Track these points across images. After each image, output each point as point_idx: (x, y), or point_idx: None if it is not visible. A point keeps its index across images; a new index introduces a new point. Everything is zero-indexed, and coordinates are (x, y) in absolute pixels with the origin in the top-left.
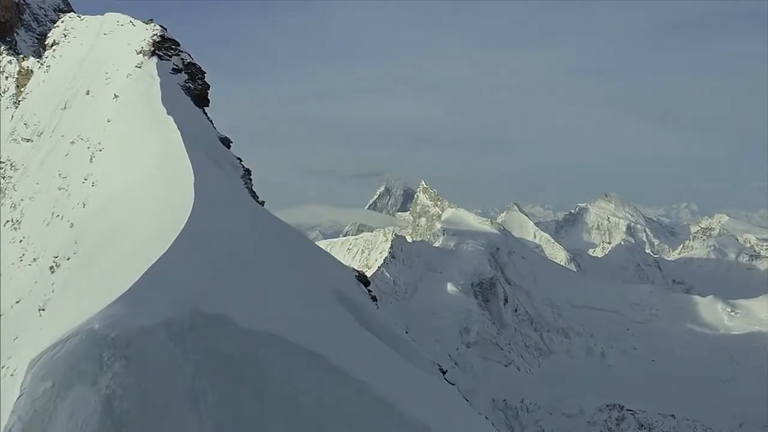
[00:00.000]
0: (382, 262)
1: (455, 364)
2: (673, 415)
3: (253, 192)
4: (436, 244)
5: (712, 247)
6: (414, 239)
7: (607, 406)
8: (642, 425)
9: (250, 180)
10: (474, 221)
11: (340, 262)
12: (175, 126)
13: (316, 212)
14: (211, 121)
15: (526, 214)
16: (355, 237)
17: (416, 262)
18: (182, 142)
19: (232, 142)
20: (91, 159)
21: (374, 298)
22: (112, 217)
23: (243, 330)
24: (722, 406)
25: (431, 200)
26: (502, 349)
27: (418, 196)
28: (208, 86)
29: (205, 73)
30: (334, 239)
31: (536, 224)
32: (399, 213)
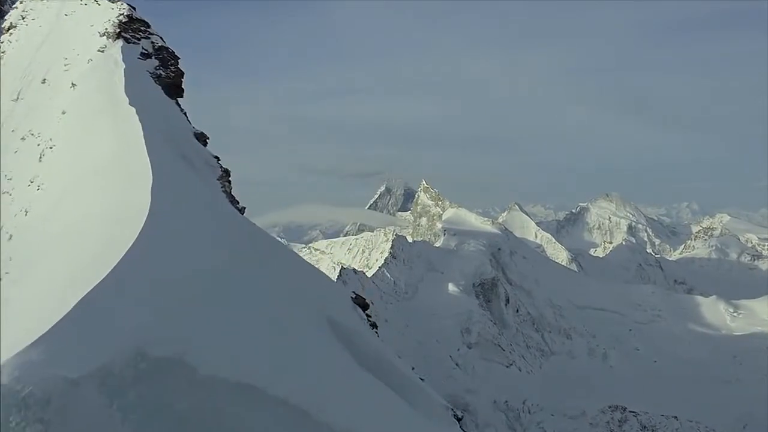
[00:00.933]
0: (382, 262)
1: (456, 365)
2: (675, 417)
3: (232, 196)
4: (437, 244)
5: (714, 247)
6: (415, 239)
7: (610, 407)
8: (645, 427)
9: (229, 182)
10: (475, 221)
11: (332, 281)
12: (137, 119)
13: (317, 212)
14: (185, 113)
15: (527, 214)
16: (356, 237)
17: (417, 263)
18: (142, 137)
19: (208, 138)
20: (40, 158)
21: (374, 325)
22: (50, 229)
23: (204, 378)
24: (725, 407)
25: (432, 200)
26: (504, 350)
27: (418, 195)
28: (182, 74)
29: (178, 58)
30: (335, 239)
31: (537, 224)
32: (400, 213)
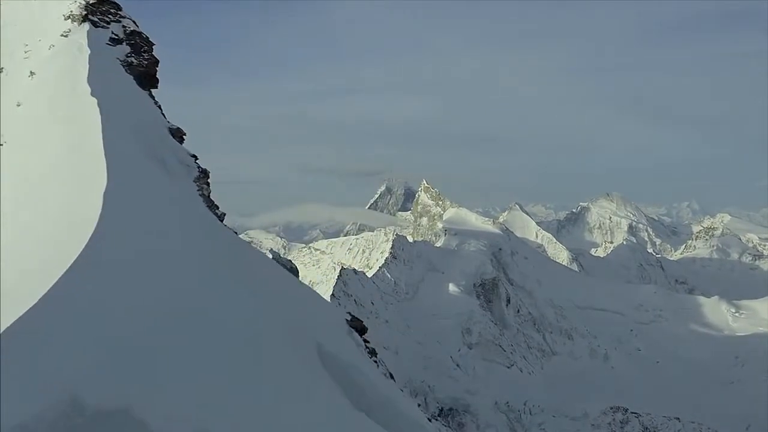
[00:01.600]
0: (383, 262)
1: (457, 365)
2: (678, 418)
3: (211, 200)
4: (438, 244)
5: (715, 247)
6: (415, 239)
7: (611, 408)
8: (647, 428)
9: (208, 185)
10: (476, 221)
11: (324, 301)
12: (98, 111)
13: (317, 211)
14: (159, 106)
15: (527, 214)
16: (356, 237)
17: (417, 263)
18: (101, 133)
19: (185, 135)
20: None
21: (373, 352)
22: None
23: None
24: (728, 409)
25: (432, 200)
26: (505, 351)
27: (419, 195)
28: (157, 62)
29: (153, 44)
30: (335, 239)
31: (538, 224)
32: (400, 212)
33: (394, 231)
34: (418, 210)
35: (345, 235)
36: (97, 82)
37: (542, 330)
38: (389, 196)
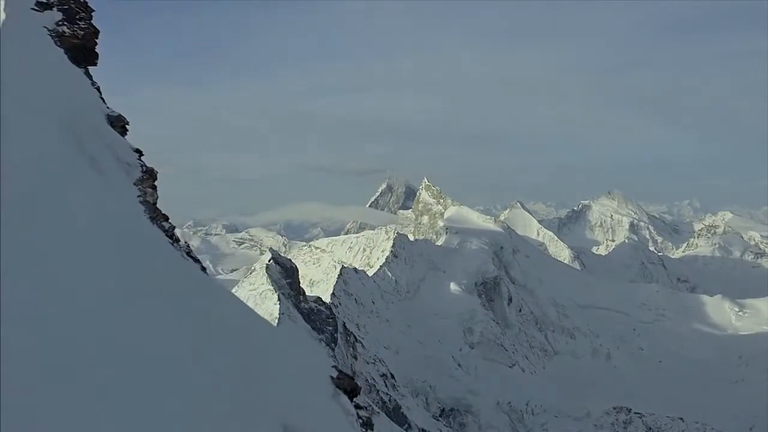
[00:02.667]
0: (383, 260)
1: (458, 365)
2: (681, 418)
3: (156, 209)
4: (439, 243)
5: (717, 245)
6: (416, 237)
7: (614, 408)
8: (650, 428)
9: (154, 188)
10: (477, 219)
11: (307, 345)
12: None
13: (317, 210)
14: (98, 88)
15: (529, 212)
16: (357, 235)
17: (419, 261)
18: None
19: (128, 124)
20: None
21: (367, 424)
22: None
23: None
24: (732, 408)
25: (434, 198)
26: (507, 350)
27: (420, 193)
28: (97, 32)
29: (92, 11)
30: (336, 237)
31: (539, 222)
32: (401, 211)
33: (395, 229)
34: (419, 208)
35: (346, 234)
36: (10, 54)
37: (544, 329)
38: (390, 195)
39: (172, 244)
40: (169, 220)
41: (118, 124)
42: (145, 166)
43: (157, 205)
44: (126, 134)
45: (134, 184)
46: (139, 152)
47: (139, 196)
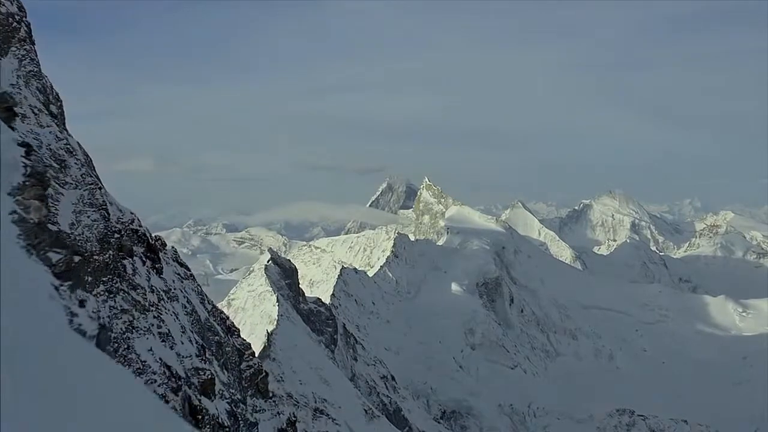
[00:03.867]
0: (384, 260)
1: (460, 367)
2: (685, 421)
3: (42, 230)
4: (440, 243)
5: (719, 245)
6: (417, 237)
7: (617, 410)
8: (653, 431)
9: (43, 199)
10: (479, 219)
11: None
12: None
13: (318, 209)
14: None
15: (530, 212)
16: (357, 235)
17: (419, 261)
18: None
19: (18, 105)
20: None
21: None
22: None
23: None
24: (736, 410)
25: (434, 197)
26: (508, 352)
27: (421, 193)
28: None
29: None
30: (336, 237)
31: (540, 221)
32: (401, 210)
33: (396, 229)
34: (420, 208)
35: (346, 233)
36: None
37: (546, 330)
38: (391, 194)
39: (64, 291)
40: (70, 246)
41: (2, 106)
42: (31, 166)
43: (52, 226)
44: (14, 119)
45: (8, 194)
46: (27, 147)
47: (13, 213)
